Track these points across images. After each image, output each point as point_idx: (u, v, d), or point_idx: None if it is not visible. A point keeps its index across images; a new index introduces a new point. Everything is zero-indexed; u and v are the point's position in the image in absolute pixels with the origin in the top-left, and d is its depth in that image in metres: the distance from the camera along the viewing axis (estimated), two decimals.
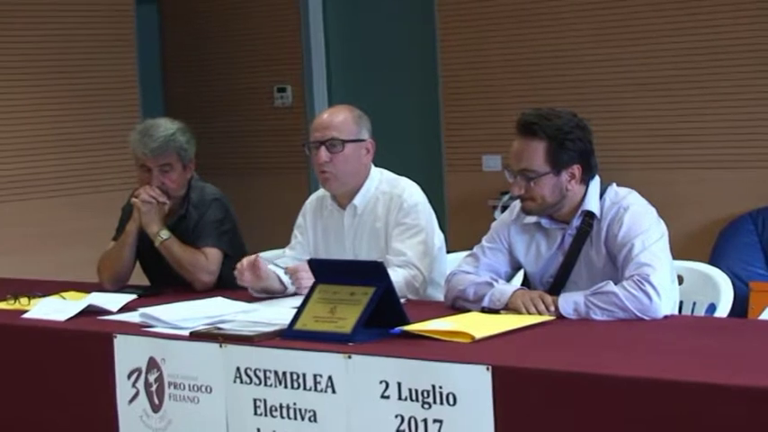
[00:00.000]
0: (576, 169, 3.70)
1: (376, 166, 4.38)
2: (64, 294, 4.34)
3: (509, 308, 3.61)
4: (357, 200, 4.31)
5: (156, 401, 3.61)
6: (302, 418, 3.29)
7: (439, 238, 4.33)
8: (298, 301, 3.66)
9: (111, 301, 4.10)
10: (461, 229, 7.03)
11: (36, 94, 7.36)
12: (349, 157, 4.23)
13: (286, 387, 3.31)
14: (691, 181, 6.81)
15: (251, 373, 3.39)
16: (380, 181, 4.33)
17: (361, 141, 4.27)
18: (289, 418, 3.32)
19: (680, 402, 2.74)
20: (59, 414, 3.87)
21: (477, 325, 3.39)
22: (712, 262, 5.59)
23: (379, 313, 3.37)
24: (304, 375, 3.28)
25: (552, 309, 3.54)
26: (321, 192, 4.45)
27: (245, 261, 4.13)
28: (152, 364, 3.61)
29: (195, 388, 3.51)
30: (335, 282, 3.49)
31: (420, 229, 4.21)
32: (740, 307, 5.54)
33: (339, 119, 4.27)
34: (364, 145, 4.29)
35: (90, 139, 7.55)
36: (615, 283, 3.51)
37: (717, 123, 6.73)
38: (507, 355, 3.12)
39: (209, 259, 4.46)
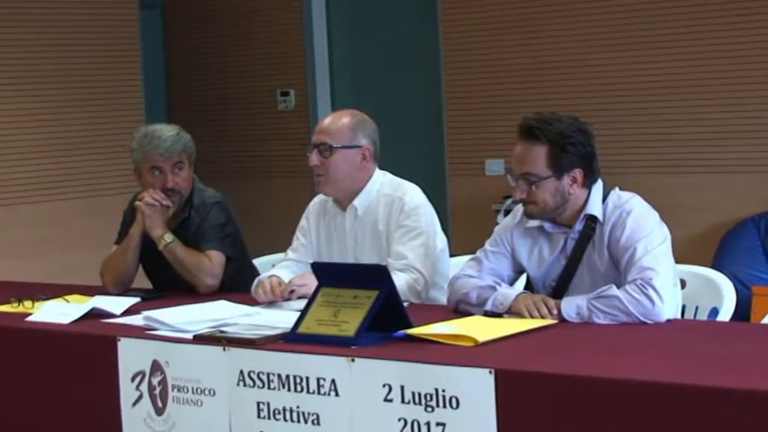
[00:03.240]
0: (578, 173, 3.71)
1: (379, 169, 4.40)
2: (67, 297, 4.35)
3: (512, 312, 3.62)
4: (357, 201, 4.33)
5: (160, 404, 3.61)
6: (305, 422, 3.30)
7: (441, 240, 4.33)
8: (301, 304, 3.67)
9: (115, 304, 4.10)
10: (464, 233, 7.03)
11: (40, 99, 7.37)
12: (338, 163, 4.26)
13: (289, 390, 3.32)
14: (693, 185, 6.81)
15: (254, 377, 3.39)
16: (383, 183, 4.35)
17: (356, 148, 4.29)
18: (292, 421, 3.32)
19: (682, 406, 2.74)
20: (63, 417, 3.88)
21: (480, 328, 3.40)
22: (715, 266, 5.60)
23: (383, 317, 3.38)
24: (307, 379, 3.29)
25: (555, 312, 3.55)
26: None
27: (280, 291, 4.11)
28: (156, 366, 3.61)
29: (199, 391, 3.52)
30: (339, 285, 3.49)
31: (421, 231, 4.22)
32: (743, 311, 5.53)
33: (334, 123, 4.32)
34: (360, 151, 4.29)
35: (94, 143, 7.56)
36: (618, 287, 3.51)
37: (720, 128, 6.73)
38: (510, 359, 3.13)
39: (212, 262, 4.47)
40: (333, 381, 3.24)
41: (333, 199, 4.41)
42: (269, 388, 3.36)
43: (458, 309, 3.78)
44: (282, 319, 3.68)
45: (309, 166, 4.30)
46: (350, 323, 3.37)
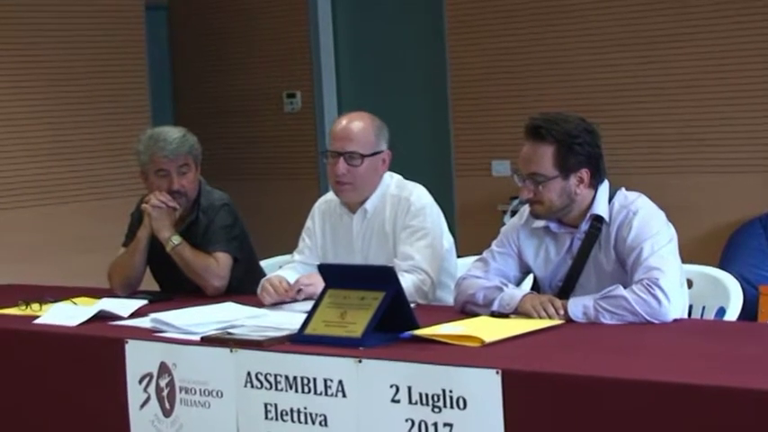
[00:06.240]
0: (585, 173, 3.71)
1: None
2: (75, 300, 4.36)
3: (518, 312, 3.62)
4: (368, 204, 4.32)
5: (168, 406, 3.62)
6: (313, 423, 3.30)
7: (448, 240, 4.33)
8: (307, 306, 3.68)
9: (123, 306, 4.11)
10: (471, 233, 7.03)
11: (46, 101, 7.38)
12: (367, 170, 4.25)
13: (297, 391, 3.32)
14: (700, 185, 6.81)
15: (261, 378, 3.40)
16: (389, 185, 4.35)
17: (380, 153, 4.29)
18: (299, 422, 3.33)
19: (688, 406, 2.74)
20: (71, 419, 3.88)
21: (487, 329, 3.40)
22: (722, 266, 5.58)
23: (390, 318, 3.38)
24: (314, 380, 3.29)
25: (561, 313, 3.55)
26: (330, 194, 4.46)
27: (282, 288, 4.12)
28: (163, 368, 3.62)
29: (206, 393, 3.53)
30: (345, 287, 3.50)
31: (427, 231, 4.22)
32: (750, 311, 5.53)
33: (359, 129, 4.25)
34: (381, 156, 4.30)
35: (100, 146, 7.57)
36: (624, 287, 3.52)
37: (726, 128, 6.73)
38: (517, 359, 3.13)
39: (219, 264, 4.47)
40: (340, 382, 3.25)
41: (341, 200, 4.40)
42: (276, 389, 3.37)
43: (464, 309, 3.79)
44: (289, 320, 3.68)
45: (336, 174, 4.20)
46: (357, 324, 3.37)
